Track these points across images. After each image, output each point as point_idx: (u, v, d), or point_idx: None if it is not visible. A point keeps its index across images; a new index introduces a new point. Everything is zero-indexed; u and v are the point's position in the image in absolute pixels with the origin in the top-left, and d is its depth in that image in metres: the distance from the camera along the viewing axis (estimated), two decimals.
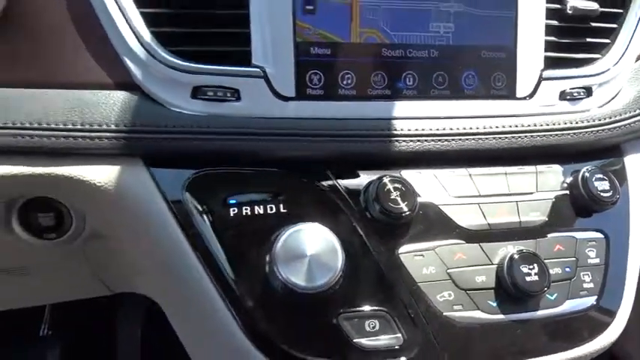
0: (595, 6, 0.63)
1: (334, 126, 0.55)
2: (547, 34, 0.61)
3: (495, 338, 0.55)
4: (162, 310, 0.63)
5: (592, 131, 0.63)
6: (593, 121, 0.63)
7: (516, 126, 0.60)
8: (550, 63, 0.61)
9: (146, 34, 0.52)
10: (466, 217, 0.57)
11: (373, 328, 0.52)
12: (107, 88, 0.52)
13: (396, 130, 0.57)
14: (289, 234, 0.50)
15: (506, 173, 0.60)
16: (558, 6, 0.62)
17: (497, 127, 0.60)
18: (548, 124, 0.61)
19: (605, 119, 0.64)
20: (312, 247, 0.50)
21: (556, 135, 0.62)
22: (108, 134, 0.51)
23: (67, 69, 0.52)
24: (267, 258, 0.51)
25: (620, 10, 0.64)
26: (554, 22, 0.62)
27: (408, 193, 0.54)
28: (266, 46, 0.54)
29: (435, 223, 0.56)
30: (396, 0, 0.57)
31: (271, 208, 0.53)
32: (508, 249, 0.56)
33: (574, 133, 0.62)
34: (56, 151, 0.51)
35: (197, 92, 0.53)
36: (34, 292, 0.74)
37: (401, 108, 0.58)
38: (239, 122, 0.53)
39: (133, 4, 0.52)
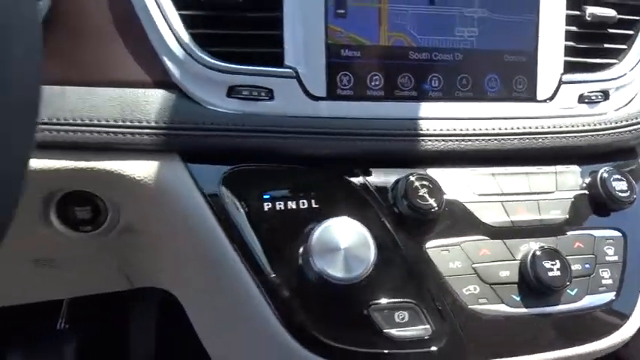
0: (613, 13, 0.65)
1: (363, 125, 0.57)
2: (566, 39, 0.63)
3: (519, 330, 0.57)
4: (180, 303, 0.65)
5: (609, 133, 0.65)
6: (610, 123, 0.65)
7: (537, 127, 0.62)
8: (569, 67, 0.64)
9: (185, 36, 0.54)
10: (490, 214, 0.59)
11: (402, 319, 0.53)
12: (146, 86, 0.54)
13: (422, 129, 0.59)
14: (324, 227, 0.51)
15: (527, 173, 0.62)
16: (577, 13, 0.64)
17: (518, 128, 0.62)
18: (567, 126, 0.63)
19: (621, 122, 0.66)
20: (345, 241, 0.51)
21: (575, 137, 0.64)
22: (147, 131, 0.53)
23: (109, 68, 0.54)
24: (301, 250, 0.53)
25: (637, 17, 0.67)
26: (574, 28, 0.64)
27: (435, 190, 0.56)
28: (298, 48, 0.56)
29: (460, 220, 0.58)
30: (422, 5, 0.59)
31: (303, 204, 0.55)
32: (530, 245, 0.58)
33: (591, 135, 0.64)
34: (98, 146, 0.53)
35: (232, 91, 0.55)
36: (59, 285, 0.76)
37: (426, 109, 0.60)
38: (272, 121, 0.55)
39: (173, 6, 0.54)
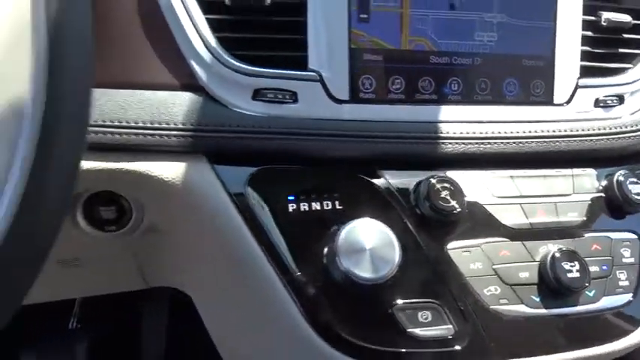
0: (628, 19, 0.66)
1: (385, 128, 0.58)
2: (583, 44, 0.64)
3: (538, 331, 0.57)
4: (189, 303, 0.66)
5: (624, 137, 0.66)
6: (625, 127, 0.66)
7: (554, 131, 0.63)
8: (585, 72, 0.65)
9: (212, 39, 0.55)
10: (509, 216, 0.60)
11: (426, 319, 0.54)
12: (174, 89, 0.55)
13: (442, 132, 0.60)
14: (350, 228, 0.52)
15: (544, 176, 0.63)
16: (593, 18, 0.65)
17: (536, 131, 0.63)
18: (584, 130, 0.64)
19: (636, 126, 0.67)
20: (370, 241, 0.52)
21: (591, 140, 0.65)
22: (175, 132, 0.54)
23: (138, 71, 0.55)
24: (326, 250, 0.54)
25: None
26: (590, 33, 0.65)
27: (457, 191, 0.57)
28: (321, 52, 0.57)
29: (479, 221, 0.59)
30: (443, 10, 0.60)
31: (327, 204, 0.56)
32: (549, 247, 0.59)
33: (607, 139, 0.65)
34: (127, 147, 0.54)
35: (257, 94, 0.56)
36: (77, 284, 0.77)
37: (446, 112, 0.61)
38: (297, 123, 0.56)
39: (200, 10, 0.55)
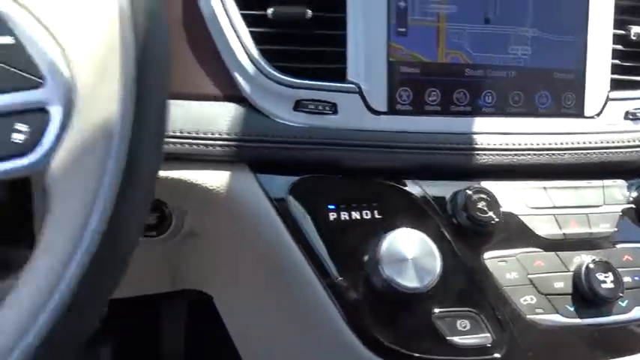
0: None
1: (421, 139, 0.60)
2: (613, 57, 0.66)
3: (572, 340, 0.59)
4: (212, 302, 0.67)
5: None
6: None
7: (585, 143, 0.64)
8: (615, 85, 0.66)
9: (255, 52, 0.56)
10: (543, 227, 0.61)
11: (464, 327, 0.55)
12: (218, 100, 0.57)
13: (476, 144, 0.61)
14: (392, 238, 0.54)
15: (576, 187, 0.65)
16: (623, 32, 0.66)
17: (567, 143, 0.64)
18: (614, 142, 0.65)
19: None
20: (412, 251, 0.53)
21: (621, 152, 0.66)
22: (220, 142, 0.55)
23: (184, 82, 0.56)
24: (367, 258, 0.55)
25: None
26: (620, 47, 0.66)
27: (493, 202, 0.58)
28: (360, 64, 0.58)
29: (514, 232, 0.60)
30: (478, 24, 0.61)
31: (367, 214, 0.57)
32: (582, 257, 0.60)
33: (637, 151, 0.67)
34: (174, 156, 0.55)
35: (299, 105, 0.57)
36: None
37: (481, 124, 0.62)
38: (336, 134, 0.58)
39: (244, 23, 0.57)
